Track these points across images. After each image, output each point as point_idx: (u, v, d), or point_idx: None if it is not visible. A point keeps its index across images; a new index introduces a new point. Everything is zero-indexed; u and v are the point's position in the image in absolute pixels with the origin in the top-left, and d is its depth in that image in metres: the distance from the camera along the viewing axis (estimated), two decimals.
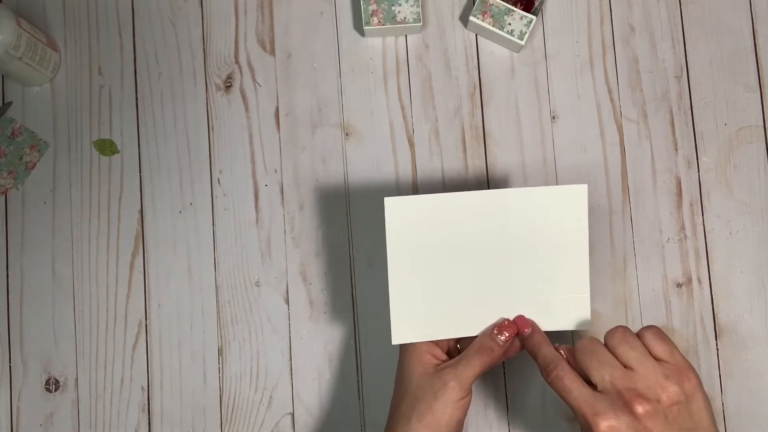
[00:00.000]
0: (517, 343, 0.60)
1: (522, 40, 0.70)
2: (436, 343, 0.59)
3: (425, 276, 0.60)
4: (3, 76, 0.73)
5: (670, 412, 0.50)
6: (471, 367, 0.56)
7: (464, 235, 0.59)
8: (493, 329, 0.59)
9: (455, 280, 0.60)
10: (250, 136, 0.72)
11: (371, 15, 0.71)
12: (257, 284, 0.71)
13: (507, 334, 0.58)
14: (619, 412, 0.50)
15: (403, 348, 0.59)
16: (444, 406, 0.55)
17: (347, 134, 0.72)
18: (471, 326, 0.60)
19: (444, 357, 0.59)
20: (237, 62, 0.73)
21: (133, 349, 0.70)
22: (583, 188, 0.59)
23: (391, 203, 0.58)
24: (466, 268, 0.60)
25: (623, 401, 0.51)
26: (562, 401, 0.69)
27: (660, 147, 0.72)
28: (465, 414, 0.57)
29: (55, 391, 0.70)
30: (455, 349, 0.62)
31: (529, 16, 0.70)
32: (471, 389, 0.57)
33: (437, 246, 0.59)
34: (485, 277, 0.60)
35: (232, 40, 0.73)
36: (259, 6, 0.74)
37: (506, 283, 0.60)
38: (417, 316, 0.60)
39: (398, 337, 0.60)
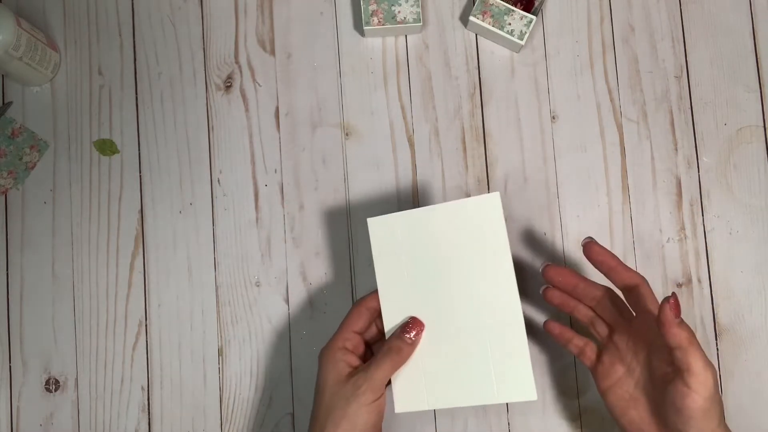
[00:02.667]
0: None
1: (522, 40, 0.70)
2: (351, 349, 0.60)
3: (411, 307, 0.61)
4: (3, 76, 0.73)
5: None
6: (381, 369, 0.58)
7: (431, 252, 0.60)
8: (401, 329, 0.59)
9: (431, 303, 0.61)
10: (250, 136, 0.72)
11: (371, 15, 0.71)
12: (257, 284, 0.71)
13: (414, 332, 0.59)
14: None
15: (321, 356, 0.60)
16: (357, 410, 0.56)
17: (347, 134, 0.72)
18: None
19: (357, 363, 0.60)
20: (237, 62, 0.73)
21: (133, 349, 0.70)
22: (495, 196, 0.59)
23: (373, 223, 0.62)
24: (437, 287, 0.60)
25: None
26: (561, 401, 0.69)
27: (660, 147, 0.72)
28: (381, 417, 0.58)
29: (55, 391, 0.70)
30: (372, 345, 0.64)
31: (529, 16, 0.70)
32: (384, 391, 0.58)
33: (414, 263, 0.61)
34: (444, 299, 0.60)
35: (232, 40, 0.73)
36: (259, 6, 0.74)
37: (456, 305, 0.60)
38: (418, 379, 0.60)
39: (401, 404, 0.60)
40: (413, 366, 0.60)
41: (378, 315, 0.62)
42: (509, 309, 0.59)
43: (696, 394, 0.53)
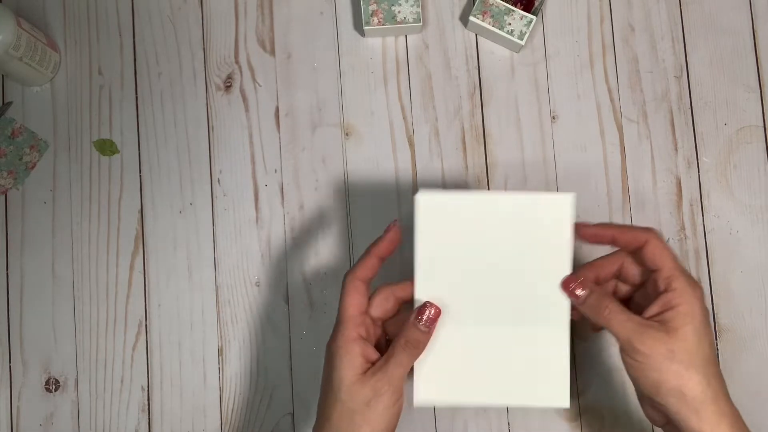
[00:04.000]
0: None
1: (522, 40, 0.70)
2: (366, 336, 0.55)
3: (452, 291, 0.56)
4: (3, 76, 0.73)
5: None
6: (401, 366, 0.53)
7: (482, 241, 0.56)
8: (414, 315, 0.54)
9: (473, 292, 0.56)
10: (250, 136, 0.72)
11: (371, 15, 0.71)
12: (257, 284, 0.71)
13: (426, 318, 0.54)
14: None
15: (333, 348, 0.54)
16: (380, 414, 0.52)
17: (347, 134, 0.72)
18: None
19: (376, 355, 0.54)
20: (237, 62, 0.73)
21: (133, 349, 0.70)
22: (568, 198, 0.55)
23: (424, 200, 0.55)
24: (481, 278, 0.56)
25: None
26: None
27: (660, 147, 0.72)
28: (400, 414, 0.54)
29: (55, 391, 0.70)
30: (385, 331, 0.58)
31: (529, 16, 0.70)
32: (403, 390, 0.54)
33: (461, 251, 0.56)
34: (492, 289, 0.56)
35: (232, 40, 0.73)
36: (259, 6, 0.74)
37: (502, 296, 0.56)
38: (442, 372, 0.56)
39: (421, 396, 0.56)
40: (439, 357, 0.55)
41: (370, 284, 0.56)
42: (556, 311, 0.55)
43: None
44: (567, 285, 0.55)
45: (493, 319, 0.56)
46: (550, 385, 0.55)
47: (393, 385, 0.53)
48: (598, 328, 0.59)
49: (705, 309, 0.53)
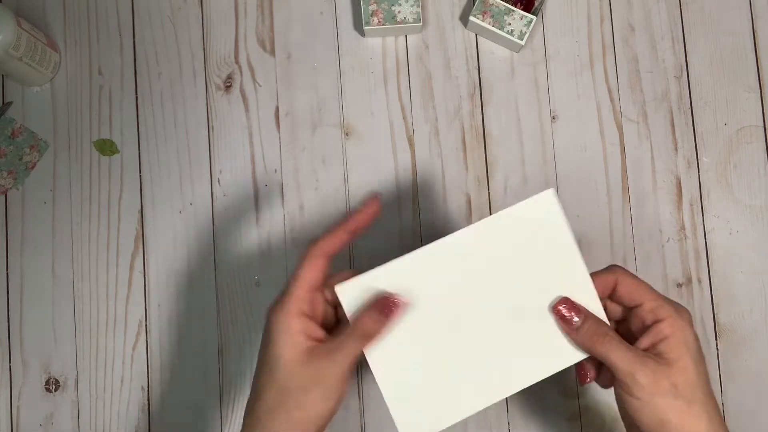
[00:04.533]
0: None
1: (522, 40, 0.70)
2: (310, 313, 0.49)
3: (414, 355, 0.50)
4: (3, 76, 0.73)
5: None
6: (350, 356, 0.48)
7: (439, 295, 0.50)
8: (375, 306, 0.49)
9: (447, 347, 0.51)
10: (250, 136, 0.72)
11: (371, 15, 0.71)
12: (257, 284, 0.71)
13: (387, 309, 0.49)
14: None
15: (272, 320, 0.49)
16: (316, 402, 0.47)
17: (347, 134, 0.72)
18: (479, 394, 0.52)
19: (320, 334, 0.49)
20: (237, 62, 0.73)
21: (133, 349, 0.70)
22: (549, 194, 0.49)
23: (343, 290, 0.50)
24: (454, 330, 0.50)
25: None
26: (561, 401, 0.69)
27: (660, 147, 0.72)
28: (340, 404, 0.49)
29: (55, 391, 0.70)
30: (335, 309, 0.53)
31: (529, 16, 0.70)
32: (349, 377, 0.49)
33: (416, 317, 0.50)
34: (479, 332, 0.50)
35: (232, 40, 0.73)
36: (259, 6, 0.74)
37: (507, 329, 0.51)
38: (420, 402, 0.51)
39: (408, 429, 0.50)
40: (414, 391, 0.51)
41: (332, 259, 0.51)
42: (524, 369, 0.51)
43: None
44: (559, 309, 0.49)
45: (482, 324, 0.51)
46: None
47: (338, 373, 0.48)
48: (585, 379, 0.54)
49: (696, 335, 0.49)
